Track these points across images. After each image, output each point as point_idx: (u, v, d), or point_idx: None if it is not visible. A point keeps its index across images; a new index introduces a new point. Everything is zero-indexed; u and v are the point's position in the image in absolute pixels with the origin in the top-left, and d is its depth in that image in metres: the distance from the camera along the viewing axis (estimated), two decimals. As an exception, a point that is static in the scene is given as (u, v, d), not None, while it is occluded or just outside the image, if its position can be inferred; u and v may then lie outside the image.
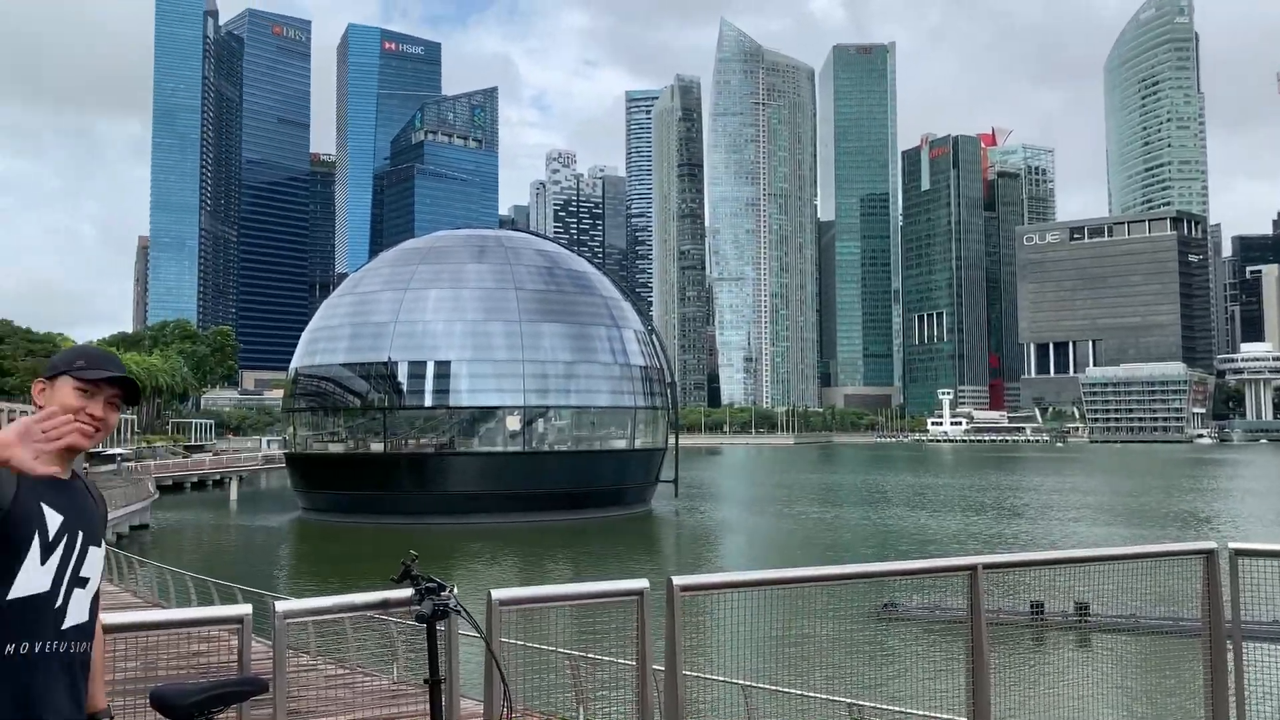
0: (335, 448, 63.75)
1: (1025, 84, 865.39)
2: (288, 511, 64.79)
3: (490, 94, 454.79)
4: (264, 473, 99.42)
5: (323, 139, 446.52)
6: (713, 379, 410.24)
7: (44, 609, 2.70)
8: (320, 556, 46.48)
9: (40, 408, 2.80)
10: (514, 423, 61.49)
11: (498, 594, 3.80)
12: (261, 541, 53.45)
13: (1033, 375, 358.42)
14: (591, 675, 10.05)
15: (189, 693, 2.91)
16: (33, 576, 2.67)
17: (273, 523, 60.92)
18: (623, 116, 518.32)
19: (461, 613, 3.47)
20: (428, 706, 3.28)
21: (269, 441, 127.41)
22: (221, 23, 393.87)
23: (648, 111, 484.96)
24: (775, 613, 5.44)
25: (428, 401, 61.56)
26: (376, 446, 61.43)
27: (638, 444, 65.17)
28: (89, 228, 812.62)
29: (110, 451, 77.36)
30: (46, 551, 2.70)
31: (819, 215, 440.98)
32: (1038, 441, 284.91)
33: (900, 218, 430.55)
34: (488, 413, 61.66)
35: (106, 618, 3.15)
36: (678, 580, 4.11)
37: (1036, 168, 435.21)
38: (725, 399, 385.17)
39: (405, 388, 61.82)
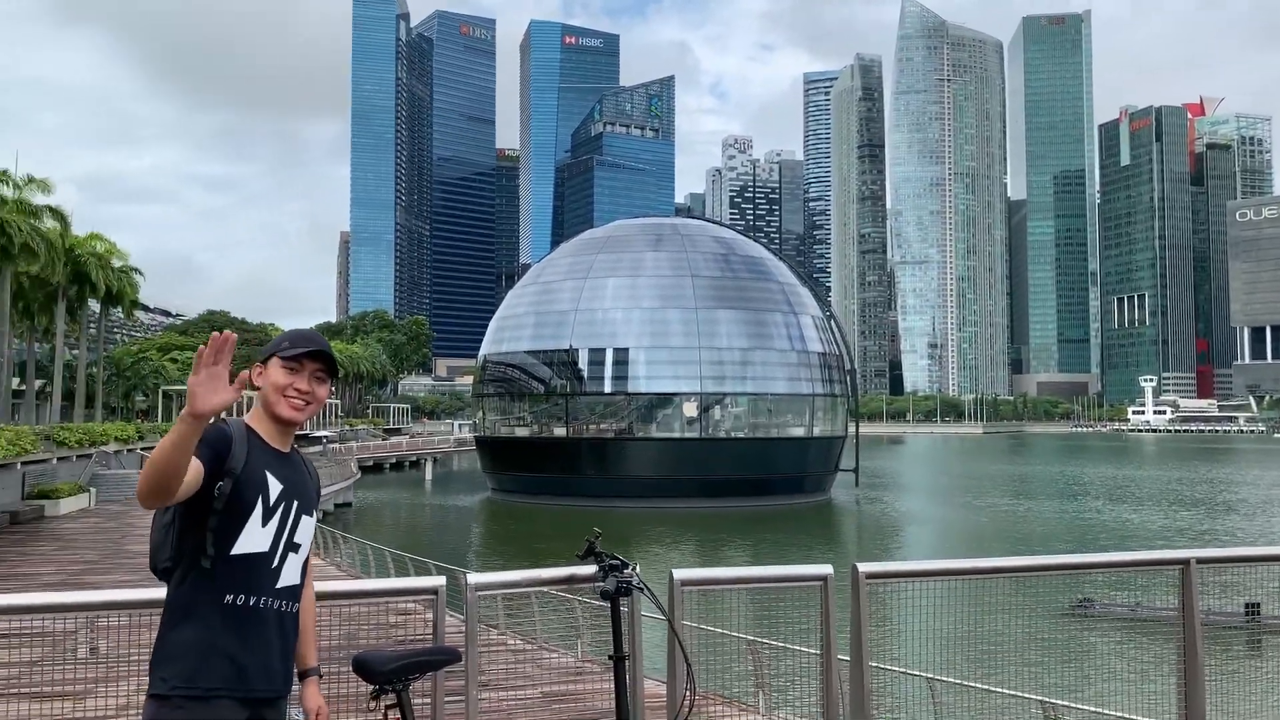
0: (521, 432, 65.82)
1: (1239, 48, 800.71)
2: (478, 492, 67.43)
3: (667, 83, 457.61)
4: (456, 455, 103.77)
5: (507, 134, 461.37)
6: (894, 366, 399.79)
7: (262, 567, 2.97)
8: (507, 535, 48.15)
9: (258, 388, 3.09)
10: (691, 409, 61.82)
11: (679, 574, 3.79)
12: (454, 520, 55.87)
13: (1246, 361, 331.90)
14: (773, 661, 9.94)
15: (388, 660, 3.08)
16: (254, 536, 2.95)
17: (464, 502, 63.54)
18: (800, 99, 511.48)
19: (645, 591, 3.48)
20: (612, 684, 3.31)
21: (460, 425, 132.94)
22: (412, 25, 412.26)
23: (826, 93, 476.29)
24: (960, 604, 5.23)
25: (607, 388, 62.63)
26: (559, 431, 63.04)
27: (816, 431, 64.25)
28: (295, 224, 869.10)
29: (316, 434, 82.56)
30: (267, 515, 2.97)
31: (1009, 194, 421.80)
32: (1252, 432, 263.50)
33: (1098, 195, 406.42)
34: (665, 399, 62.19)
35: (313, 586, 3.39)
36: (863, 567, 3.99)
37: (1251, 138, 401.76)
38: (908, 386, 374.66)
39: (586, 374, 63.11)
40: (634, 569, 3.50)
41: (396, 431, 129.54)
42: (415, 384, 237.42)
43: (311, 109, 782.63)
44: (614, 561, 3.56)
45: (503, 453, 65.73)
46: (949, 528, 51.29)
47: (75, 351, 61.60)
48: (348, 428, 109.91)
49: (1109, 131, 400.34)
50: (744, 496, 57.15)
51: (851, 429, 67.33)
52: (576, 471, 59.96)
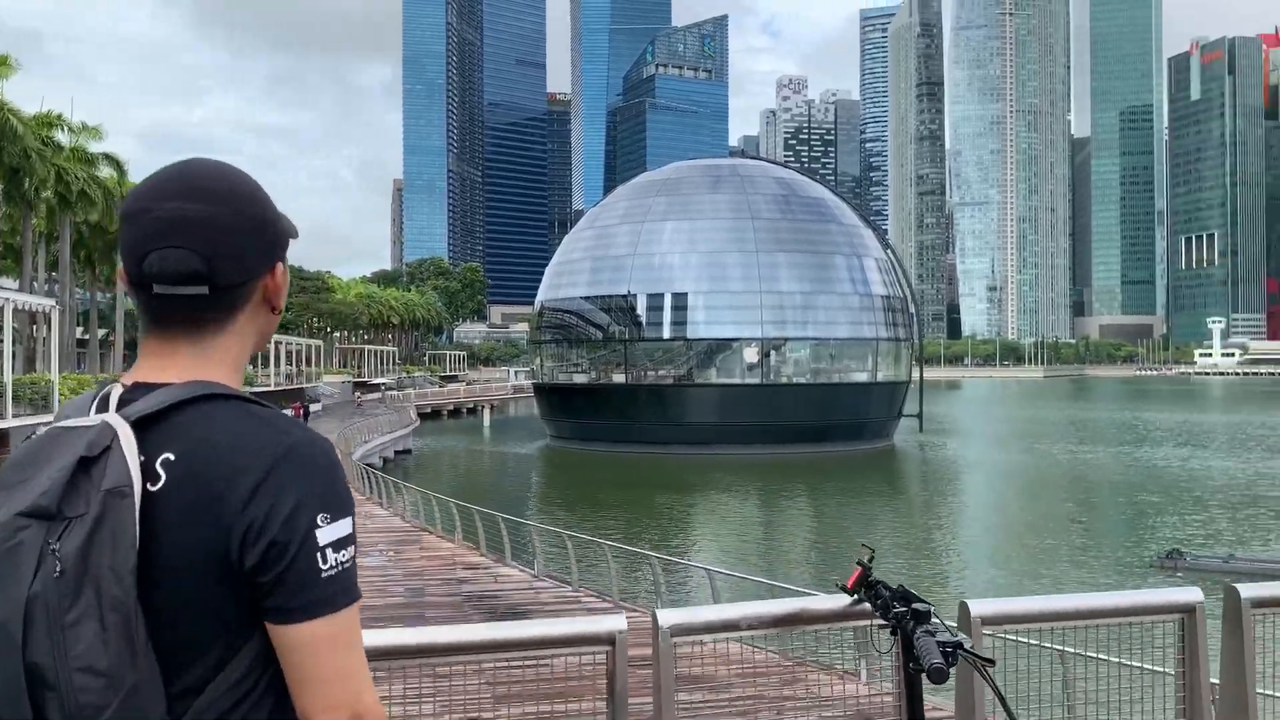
0: (580, 378, 65.18)
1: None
2: (536, 439, 67.07)
3: (720, 23, 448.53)
4: (512, 401, 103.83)
5: (558, 78, 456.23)
6: (952, 309, 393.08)
7: None
8: (569, 483, 47.59)
9: (276, 310, 1.71)
10: (751, 355, 60.66)
11: (977, 607, 2.61)
12: (513, 467, 55.53)
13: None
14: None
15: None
16: None
17: (524, 450, 63.19)
18: (857, 37, 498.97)
19: (978, 660, 1.92)
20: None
21: (516, 372, 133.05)
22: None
23: (884, 30, 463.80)
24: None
25: (666, 333, 61.63)
26: (618, 377, 62.27)
27: (880, 376, 62.79)
28: (349, 172, 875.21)
29: (375, 381, 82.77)
30: None
31: (1072, 132, 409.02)
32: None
33: (1166, 132, 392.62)
34: (725, 344, 61.07)
35: (431, 635, 2.27)
36: (1246, 591, 2.81)
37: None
38: (966, 330, 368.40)
39: (644, 320, 62.11)
40: (936, 615, 2.09)
41: (453, 379, 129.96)
42: (470, 331, 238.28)
43: (364, 53, 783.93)
44: (919, 605, 2.09)
45: (561, 400, 65.17)
46: (1014, 473, 49.79)
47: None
48: (405, 375, 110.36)
49: (1179, 65, 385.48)
50: (805, 443, 55.97)
51: (915, 374, 65.77)
52: (636, 418, 59.18)
